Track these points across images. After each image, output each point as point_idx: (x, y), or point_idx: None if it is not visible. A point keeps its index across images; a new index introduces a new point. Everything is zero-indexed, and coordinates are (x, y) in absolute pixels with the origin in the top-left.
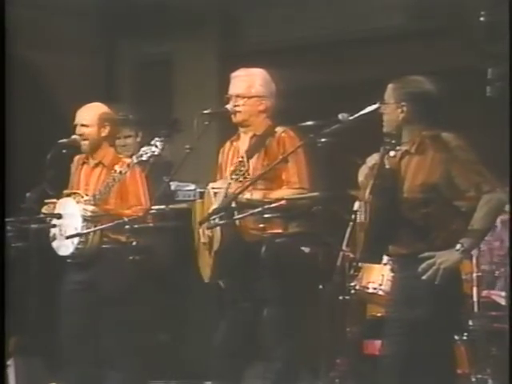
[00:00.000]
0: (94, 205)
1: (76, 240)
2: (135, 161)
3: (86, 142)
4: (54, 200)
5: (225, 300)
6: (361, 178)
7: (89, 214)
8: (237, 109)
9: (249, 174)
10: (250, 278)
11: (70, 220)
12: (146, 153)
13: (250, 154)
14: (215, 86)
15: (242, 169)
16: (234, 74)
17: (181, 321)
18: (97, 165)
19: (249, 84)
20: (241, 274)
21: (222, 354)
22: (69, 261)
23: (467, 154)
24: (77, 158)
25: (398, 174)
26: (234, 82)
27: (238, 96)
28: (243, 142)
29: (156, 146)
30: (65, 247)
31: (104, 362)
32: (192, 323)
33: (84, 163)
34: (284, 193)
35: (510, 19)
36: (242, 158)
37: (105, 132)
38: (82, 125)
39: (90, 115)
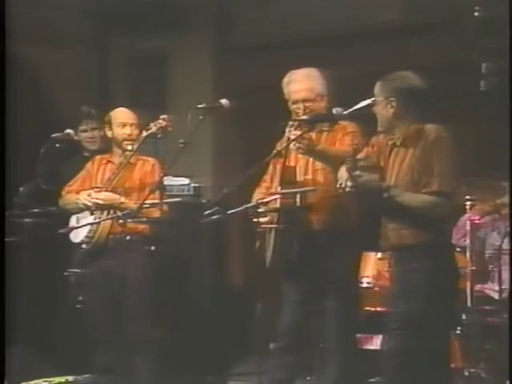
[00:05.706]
0: (105, 190)
1: (86, 229)
2: (145, 134)
3: (133, 143)
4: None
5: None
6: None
7: (100, 202)
8: (305, 113)
9: None
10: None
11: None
12: (155, 125)
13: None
14: (210, 80)
15: None
16: (289, 79)
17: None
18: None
19: (312, 85)
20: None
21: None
22: (82, 246)
23: (442, 149)
24: (98, 157)
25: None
26: (295, 87)
27: (304, 101)
28: None
29: (163, 120)
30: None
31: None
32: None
33: (109, 162)
34: None
35: (510, 15)
36: None
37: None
38: (132, 124)
39: (133, 117)
